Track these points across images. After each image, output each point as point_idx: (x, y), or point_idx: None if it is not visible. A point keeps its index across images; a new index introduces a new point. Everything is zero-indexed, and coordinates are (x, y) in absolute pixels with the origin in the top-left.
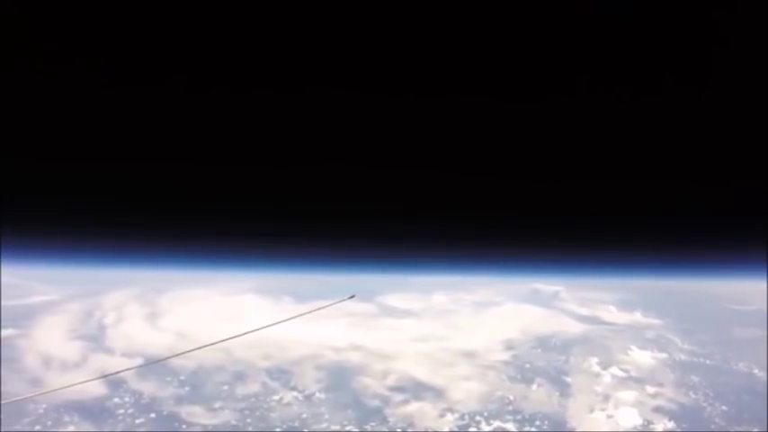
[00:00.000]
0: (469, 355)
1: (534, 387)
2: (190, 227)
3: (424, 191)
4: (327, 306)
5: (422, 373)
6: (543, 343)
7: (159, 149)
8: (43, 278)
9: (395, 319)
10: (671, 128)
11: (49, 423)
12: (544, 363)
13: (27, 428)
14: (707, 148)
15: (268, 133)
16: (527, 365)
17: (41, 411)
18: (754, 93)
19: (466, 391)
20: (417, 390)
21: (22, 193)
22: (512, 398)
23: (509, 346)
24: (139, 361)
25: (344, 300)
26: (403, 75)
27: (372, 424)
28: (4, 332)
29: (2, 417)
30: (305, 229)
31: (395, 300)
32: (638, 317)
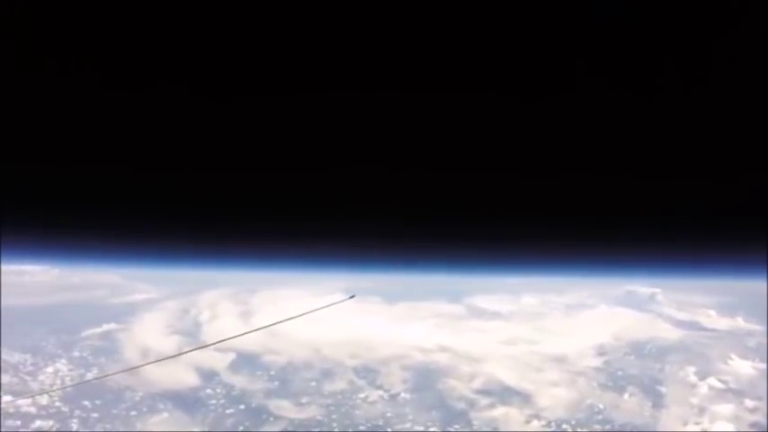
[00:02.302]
0: (559, 359)
1: (626, 396)
2: (270, 229)
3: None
4: (327, 306)
5: (509, 377)
6: (637, 349)
7: (224, 155)
8: (145, 278)
9: (483, 320)
10: (671, 126)
11: (144, 409)
12: (637, 370)
13: (123, 413)
14: (707, 147)
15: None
16: (619, 373)
17: (137, 399)
18: (755, 91)
19: (554, 397)
20: (504, 394)
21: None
22: (602, 406)
23: (601, 351)
24: (232, 356)
25: (345, 300)
26: (411, 74)
27: (456, 426)
28: (106, 326)
29: (105, 398)
30: (383, 230)
31: (483, 301)
32: (739, 322)
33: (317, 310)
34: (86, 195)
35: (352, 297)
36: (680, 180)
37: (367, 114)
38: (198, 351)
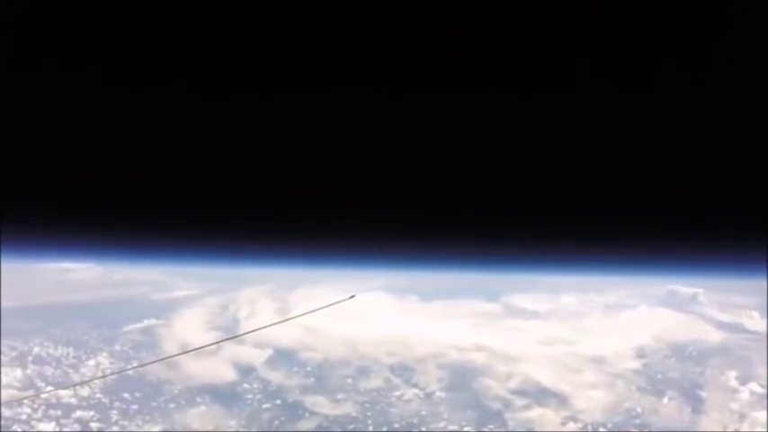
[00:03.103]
0: (597, 361)
1: (665, 400)
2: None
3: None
4: (327, 306)
5: (546, 378)
6: (678, 351)
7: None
8: (186, 275)
9: (521, 320)
10: (671, 126)
11: (183, 402)
12: (678, 374)
13: (162, 405)
14: (707, 146)
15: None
16: (659, 376)
17: (176, 392)
18: (755, 90)
19: (591, 399)
20: (540, 395)
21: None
22: (639, 410)
23: (640, 353)
24: (269, 352)
25: (345, 300)
26: (412, 74)
27: (491, 427)
28: (147, 322)
29: (145, 390)
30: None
31: (521, 300)
32: None
33: (316, 310)
34: (97, 194)
35: (353, 297)
36: (679, 180)
37: (372, 114)
38: (236, 346)
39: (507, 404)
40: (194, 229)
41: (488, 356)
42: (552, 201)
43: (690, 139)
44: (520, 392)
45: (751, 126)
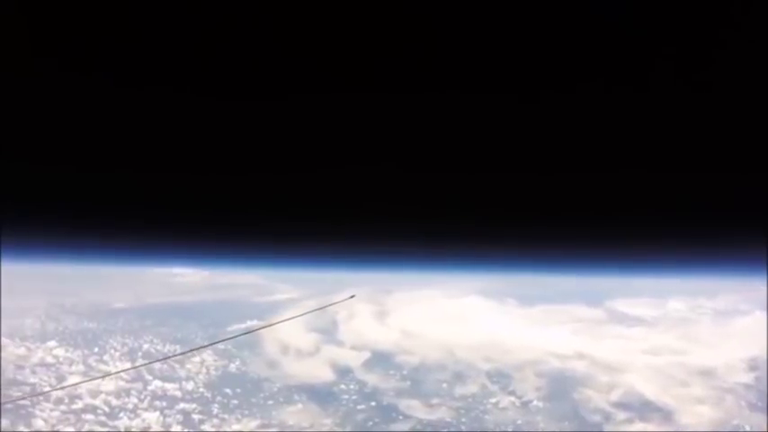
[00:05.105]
0: (706, 373)
1: None
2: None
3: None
4: (327, 306)
5: (650, 390)
6: None
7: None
8: (285, 279)
9: (625, 326)
10: (671, 127)
11: (281, 399)
12: None
13: (261, 402)
14: (706, 146)
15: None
16: None
17: (275, 389)
18: (755, 90)
19: (697, 415)
20: (643, 408)
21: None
22: (748, 428)
23: (753, 365)
24: (367, 354)
25: (345, 300)
26: (413, 75)
27: None
28: (249, 323)
29: (246, 387)
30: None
31: (626, 305)
32: None
33: (316, 310)
34: (205, 204)
35: (352, 297)
36: (679, 180)
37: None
38: (335, 348)
39: (608, 417)
40: (293, 234)
41: (589, 365)
42: (550, 200)
43: (690, 139)
44: (622, 405)
45: (751, 126)
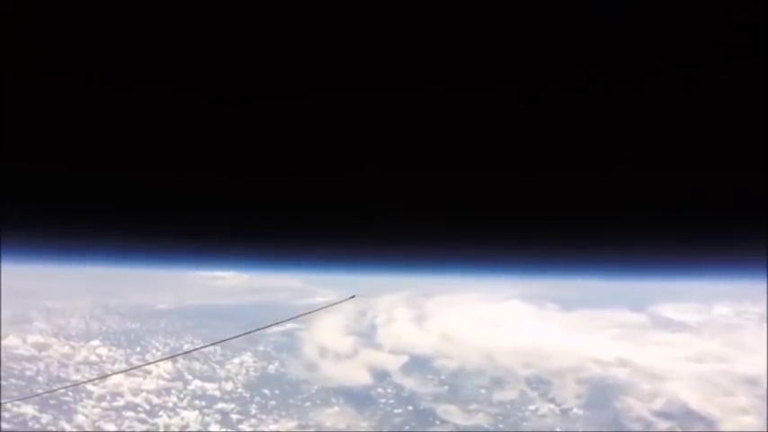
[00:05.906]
0: (752, 382)
1: None
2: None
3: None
4: (327, 306)
5: (693, 400)
6: None
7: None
8: (324, 282)
9: (668, 332)
10: (671, 127)
11: (318, 401)
12: None
13: (299, 403)
14: (707, 145)
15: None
16: None
17: (313, 391)
18: (755, 90)
19: (741, 426)
20: (686, 418)
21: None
22: None
23: None
24: (405, 358)
25: (345, 300)
26: (415, 75)
27: None
28: (289, 325)
29: (284, 388)
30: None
31: (670, 310)
32: None
33: (316, 310)
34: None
35: (352, 297)
36: (679, 180)
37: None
38: (374, 352)
39: (649, 426)
40: (331, 237)
41: (631, 372)
42: (549, 200)
43: (690, 139)
44: (664, 414)
45: (751, 126)
